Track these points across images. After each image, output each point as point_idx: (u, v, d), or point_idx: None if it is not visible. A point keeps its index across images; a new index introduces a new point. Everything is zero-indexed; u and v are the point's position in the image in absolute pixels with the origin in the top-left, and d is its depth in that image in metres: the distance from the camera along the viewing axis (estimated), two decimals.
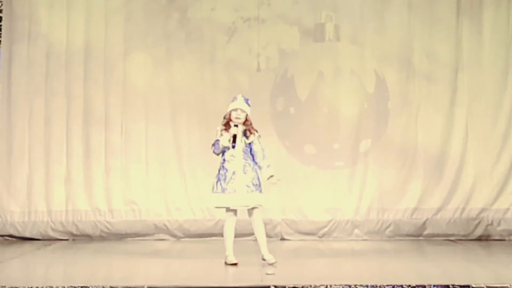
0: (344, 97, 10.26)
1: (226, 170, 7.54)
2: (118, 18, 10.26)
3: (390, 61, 10.29)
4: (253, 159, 7.62)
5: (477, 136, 10.20)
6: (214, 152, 7.64)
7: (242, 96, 7.77)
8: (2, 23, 10.27)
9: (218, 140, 7.57)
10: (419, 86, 10.27)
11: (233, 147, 7.54)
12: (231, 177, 7.50)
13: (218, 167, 7.63)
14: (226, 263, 7.53)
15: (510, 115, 10.23)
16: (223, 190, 7.50)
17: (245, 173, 7.52)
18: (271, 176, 7.59)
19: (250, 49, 10.28)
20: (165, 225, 10.11)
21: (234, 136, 7.55)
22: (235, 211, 7.56)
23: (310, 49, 10.33)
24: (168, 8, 10.30)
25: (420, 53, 10.27)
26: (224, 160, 7.59)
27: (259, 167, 7.61)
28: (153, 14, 10.27)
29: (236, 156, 7.55)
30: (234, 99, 7.73)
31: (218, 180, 7.56)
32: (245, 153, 7.59)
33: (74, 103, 10.19)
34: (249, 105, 7.73)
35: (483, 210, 10.14)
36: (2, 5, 10.27)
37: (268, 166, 7.61)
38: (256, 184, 7.54)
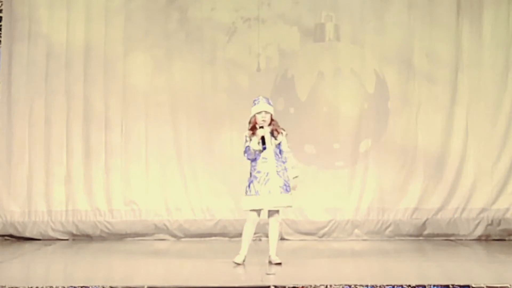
0: (344, 97, 10.26)
1: (260, 172, 7.51)
2: (118, 18, 10.26)
3: (390, 61, 10.29)
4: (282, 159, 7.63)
5: (477, 136, 10.20)
6: (248, 158, 7.59)
7: (264, 97, 7.74)
8: (2, 23, 10.27)
9: (248, 146, 7.52)
10: (419, 86, 10.27)
11: (264, 149, 7.53)
12: (265, 179, 7.49)
13: (250, 170, 7.60)
14: (233, 261, 7.51)
15: (510, 115, 10.24)
16: (257, 193, 7.47)
17: (278, 174, 7.51)
18: (295, 177, 7.59)
19: (250, 49, 10.28)
20: (165, 225, 10.11)
21: (263, 138, 7.53)
22: (259, 212, 7.55)
23: (310, 49, 10.33)
24: (168, 8, 10.30)
25: (420, 53, 10.28)
26: (256, 163, 7.55)
27: (285, 168, 7.59)
28: (153, 14, 10.27)
29: (268, 158, 7.53)
30: (256, 101, 7.66)
31: (251, 182, 7.53)
32: (276, 154, 7.58)
33: (74, 103, 10.19)
34: (271, 104, 7.72)
35: (483, 210, 10.14)
36: (2, 5, 10.28)
37: (293, 167, 7.61)
38: (288, 185, 7.56)
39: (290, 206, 7.68)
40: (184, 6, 10.31)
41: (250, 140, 7.52)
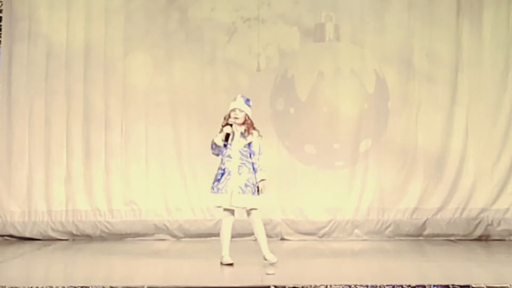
0: (344, 97, 10.26)
1: (223, 170, 7.56)
2: (118, 18, 10.25)
3: (390, 61, 10.29)
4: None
5: (477, 136, 10.20)
6: (212, 153, 7.67)
7: (242, 96, 7.78)
8: (2, 23, 10.27)
9: (212, 140, 7.61)
10: (419, 86, 10.27)
11: (225, 145, 7.54)
12: (226, 177, 7.52)
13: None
14: (221, 263, 7.53)
15: (510, 115, 10.24)
16: (218, 190, 7.52)
17: (239, 174, 7.52)
18: (262, 180, 7.55)
19: (250, 49, 10.28)
20: (165, 225, 10.11)
21: (227, 135, 7.54)
22: (232, 211, 7.57)
23: (310, 49, 10.33)
24: (168, 8, 10.30)
25: (420, 53, 10.27)
26: (221, 160, 7.61)
27: (254, 169, 7.59)
28: (153, 14, 10.27)
29: (232, 157, 7.56)
30: (234, 99, 7.75)
31: (215, 180, 7.58)
32: (242, 153, 7.58)
33: (74, 103, 10.19)
34: (249, 105, 7.73)
35: (483, 210, 10.14)
36: (2, 5, 10.27)
37: (261, 169, 7.57)
38: (249, 186, 7.52)
39: (252, 208, 7.53)
40: (184, 6, 10.31)
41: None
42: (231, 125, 7.60)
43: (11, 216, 10.10)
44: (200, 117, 10.19)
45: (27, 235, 10.05)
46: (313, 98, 10.26)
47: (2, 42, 10.24)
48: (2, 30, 10.25)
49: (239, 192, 7.48)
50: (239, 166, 7.53)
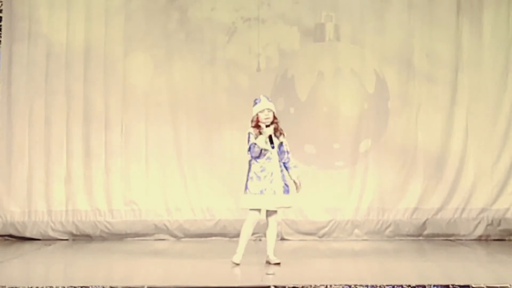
0: (344, 97, 10.26)
1: (264, 171, 7.45)
2: (118, 18, 10.25)
3: (390, 61, 10.29)
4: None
5: (477, 136, 10.21)
6: (252, 156, 7.48)
7: (264, 95, 7.72)
8: (2, 23, 10.27)
9: (254, 143, 7.43)
10: (419, 86, 10.27)
11: (273, 147, 7.50)
12: (270, 179, 7.46)
13: (250, 167, 7.53)
14: (232, 261, 7.49)
15: (510, 115, 10.24)
16: (261, 192, 7.44)
17: (282, 174, 7.53)
18: (298, 176, 7.64)
19: (250, 49, 10.28)
20: (165, 225, 10.11)
21: (270, 137, 7.50)
22: (260, 211, 7.52)
23: (310, 49, 10.33)
24: (168, 8, 10.30)
25: (420, 53, 10.28)
26: (260, 161, 7.48)
27: (287, 168, 7.60)
28: (153, 14, 10.27)
29: (272, 158, 7.51)
30: (257, 100, 7.64)
31: (252, 180, 7.46)
32: (278, 154, 7.57)
33: (74, 103, 10.19)
34: (257, 103, 7.69)
35: (483, 210, 10.14)
36: (2, 5, 10.27)
37: (296, 166, 7.67)
38: (288, 186, 7.57)
39: (291, 206, 7.78)
40: (184, 6, 10.31)
41: (256, 137, 7.47)
42: (267, 126, 7.49)
43: (11, 216, 10.10)
44: (200, 117, 10.20)
45: (27, 235, 10.05)
46: (313, 98, 10.26)
47: (2, 42, 10.25)
48: (2, 30, 10.25)
49: (283, 192, 7.49)
50: (280, 166, 7.54)
